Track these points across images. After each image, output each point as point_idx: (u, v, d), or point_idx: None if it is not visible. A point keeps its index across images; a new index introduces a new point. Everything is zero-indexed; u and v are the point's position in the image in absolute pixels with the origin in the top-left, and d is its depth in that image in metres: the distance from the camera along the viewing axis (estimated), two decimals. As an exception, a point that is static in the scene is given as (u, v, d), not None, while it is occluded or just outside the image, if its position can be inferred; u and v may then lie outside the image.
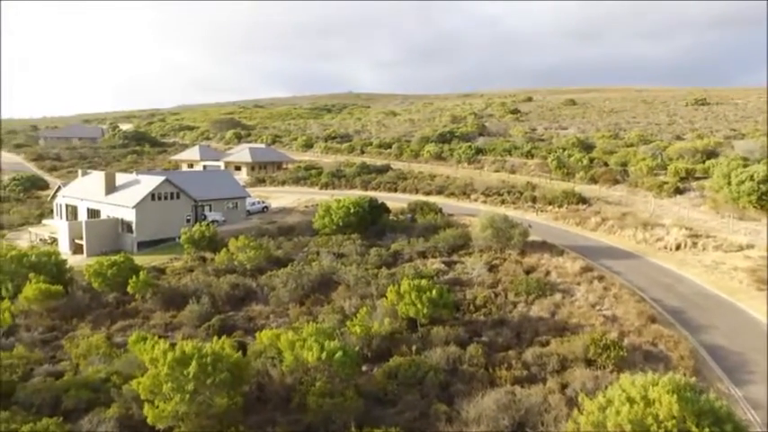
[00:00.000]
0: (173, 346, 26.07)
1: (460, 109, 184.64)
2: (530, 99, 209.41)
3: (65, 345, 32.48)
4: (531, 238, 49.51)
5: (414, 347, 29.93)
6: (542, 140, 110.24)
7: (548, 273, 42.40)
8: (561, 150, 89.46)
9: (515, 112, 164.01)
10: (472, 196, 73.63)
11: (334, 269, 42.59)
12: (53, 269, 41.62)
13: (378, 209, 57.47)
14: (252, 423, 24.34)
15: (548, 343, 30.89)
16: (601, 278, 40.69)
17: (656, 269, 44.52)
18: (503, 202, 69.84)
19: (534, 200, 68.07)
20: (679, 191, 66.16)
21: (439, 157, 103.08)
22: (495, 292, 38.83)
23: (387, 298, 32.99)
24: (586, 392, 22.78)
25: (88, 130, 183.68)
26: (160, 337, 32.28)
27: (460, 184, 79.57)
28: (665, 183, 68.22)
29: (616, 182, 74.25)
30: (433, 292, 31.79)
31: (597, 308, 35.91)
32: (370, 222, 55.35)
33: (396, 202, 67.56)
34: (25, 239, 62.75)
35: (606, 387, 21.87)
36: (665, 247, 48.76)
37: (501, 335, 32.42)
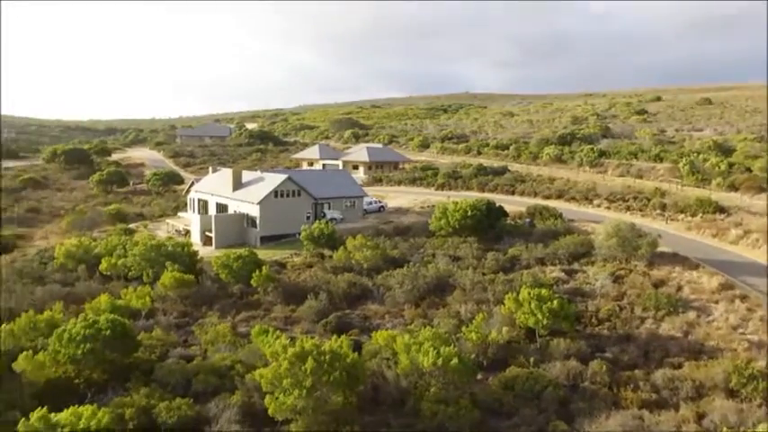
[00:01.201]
0: (292, 340, 27.00)
1: (582, 109, 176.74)
2: (658, 98, 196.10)
3: (195, 330, 34.70)
4: (661, 248, 46.12)
5: (531, 359, 28.86)
6: (673, 143, 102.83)
7: (679, 288, 39.28)
8: (695, 154, 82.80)
9: (642, 112, 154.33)
10: (594, 201, 70.07)
11: (451, 272, 42.15)
12: (186, 259, 44.68)
13: (495, 212, 56.17)
14: (366, 423, 24.52)
15: (680, 365, 28.55)
16: (743, 298, 36.95)
17: (810, 291, 39.72)
18: (628, 208, 65.81)
19: (664, 207, 63.48)
20: (840, 202, 58.79)
21: (559, 160, 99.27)
22: (619, 306, 36.59)
23: (504, 305, 32.06)
24: (729, 427, 20.67)
25: (218, 129, 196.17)
26: (280, 330, 33.63)
27: (582, 188, 76.10)
28: (822, 193, 60.95)
29: (761, 190, 67.36)
30: (554, 302, 30.43)
31: (740, 331, 32.60)
32: (487, 226, 54.23)
33: (513, 205, 65.76)
34: (163, 230, 67.94)
35: (754, 424, 19.67)
36: (823, 267, 43.42)
37: (626, 352, 30.44)
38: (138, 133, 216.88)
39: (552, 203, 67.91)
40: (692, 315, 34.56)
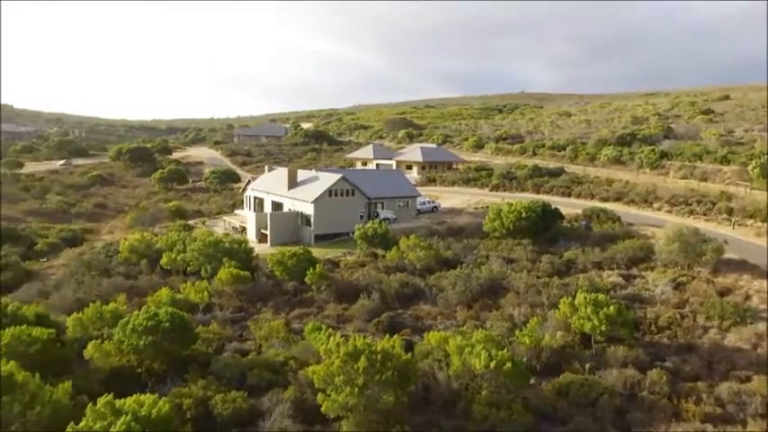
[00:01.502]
0: (345, 338, 27.26)
1: (642, 109, 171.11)
2: (726, 97, 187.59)
3: (250, 325, 35.47)
4: (727, 255, 44.19)
5: (587, 365, 28.18)
6: (741, 144, 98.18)
7: (747, 297, 37.54)
8: (766, 156, 78.83)
9: (708, 112, 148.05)
10: (655, 205, 67.72)
11: (504, 274, 41.68)
12: (243, 256, 45.76)
13: (551, 214, 55.16)
14: (416, 423, 24.51)
15: (748, 379, 27.24)
16: (817, 308, 35.02)
17: None
18: (691, 212, 63.30)
19: (730, 212, 60.71)
20: None
21: (617, 161, 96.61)
22: (681, 314, 35.27)
23: (559, 309, 31.40)
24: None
25: (274, 129, 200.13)
26: (333, 327, 34.03)
27: (641, 191, 73.68)
28: None
29: (838, 195, 63.60)
30: (611, 307, 29.59)
31: (814, 344, 30.90)
32: (542, 228, 53.33)
33: (569, 207, 64.44)
34: (220, 227, 69.82)
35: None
36: None
37: (688, 362, 29.30)
38: (198, 132, 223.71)
39: (610, 206, 66.11)
40: (761, 326, 32.93)
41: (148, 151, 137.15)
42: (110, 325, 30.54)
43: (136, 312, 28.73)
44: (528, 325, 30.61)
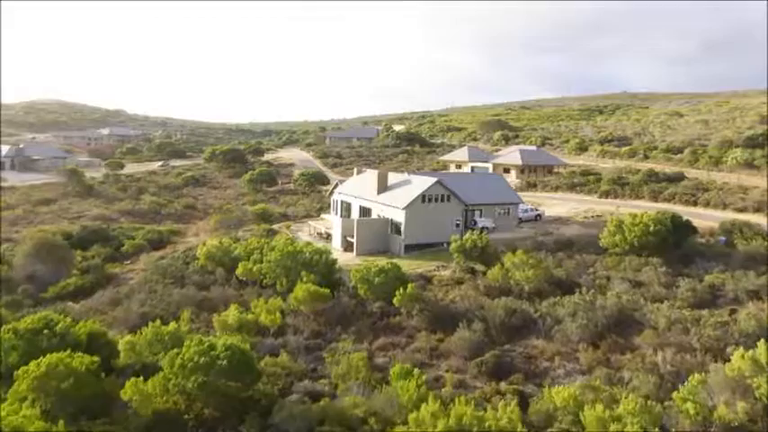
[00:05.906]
0: (439, 382, 21.05)
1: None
2: None
3: (326, 358, 29.90)
4: None
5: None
6: None
7: None
8: None
9: None
10: (813, 218, 56.52)
11: (636, 305, 33.67)
12: (323, 269, 40.63)
13: (682, 227, 46.24)
14: None
15: None
16: None
17: None
18: None
19: None
20: None
21: (749, 166, 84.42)
22: None
23: (731, 363, 23.27)
24: None
25: (365, 131, 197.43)
26: (425, 364, 28.01)
27: (789, 200, 62.37)
28: None
29: None
30: (812, 367, 21.36)
31: None
32: (672, 244, 44.61)
33: (697, 218, 54.76)
34: (305, 232, 65.64)
35: None
36: None
37: None
38: (291, 135, 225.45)
39: (748, 218, 55.92)
40: None
41: (241, 153, 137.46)
42: (167, 348, 26.05)
43: (188, 343, 23.81)
44: (687, 383, 22.72)
